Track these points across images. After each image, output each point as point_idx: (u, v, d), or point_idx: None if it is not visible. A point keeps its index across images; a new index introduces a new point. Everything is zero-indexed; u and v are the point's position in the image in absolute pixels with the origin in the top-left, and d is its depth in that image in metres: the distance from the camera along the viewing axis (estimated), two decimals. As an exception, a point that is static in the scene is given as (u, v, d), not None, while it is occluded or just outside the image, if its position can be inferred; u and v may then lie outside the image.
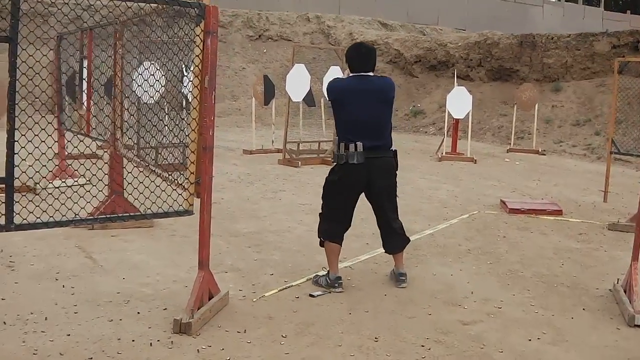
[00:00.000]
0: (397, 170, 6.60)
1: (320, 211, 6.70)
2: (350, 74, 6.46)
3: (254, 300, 5.97)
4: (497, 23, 34.71)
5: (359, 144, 6.15)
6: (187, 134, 5.43)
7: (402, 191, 11.61)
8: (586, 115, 20.95)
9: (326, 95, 6.76)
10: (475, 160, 16.23)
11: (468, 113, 16.83)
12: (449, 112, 16.89)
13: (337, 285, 6.37)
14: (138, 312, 5.51)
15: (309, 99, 16.07)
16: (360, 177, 6.30)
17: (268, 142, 16.62)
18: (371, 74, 6.41)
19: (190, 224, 8.40)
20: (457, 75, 21.35)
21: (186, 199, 5.38)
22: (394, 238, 6.73)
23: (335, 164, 6.46)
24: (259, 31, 28.91)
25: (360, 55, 6.41)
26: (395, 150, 6.56)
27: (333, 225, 6.54)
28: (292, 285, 6.41)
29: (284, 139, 14.35)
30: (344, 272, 6.74)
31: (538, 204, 10.60)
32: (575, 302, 6.30)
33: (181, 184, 5.49)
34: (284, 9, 30.37)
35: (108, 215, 5.28)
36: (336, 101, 6.39)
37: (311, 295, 6.15)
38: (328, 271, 6.50)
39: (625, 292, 6.27)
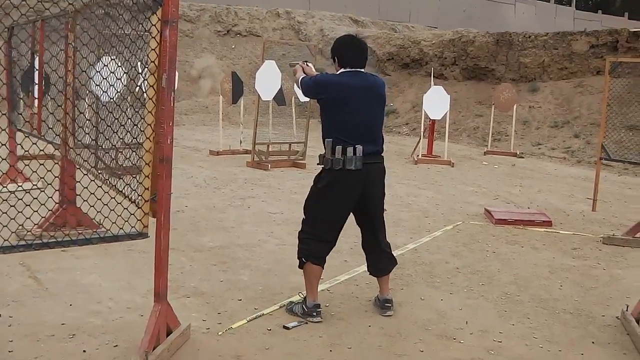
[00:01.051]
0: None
1: (302, 227, 5.83)
2: (342, 70, 5.63)
3: (220, 333, 5.18)
4: (469, 21, 34.20)
5: (359, 148, 5.40)
6: (139, 141, 4.62)
7: (379, 198, 10.98)
8: (564, 116, 20.34)
9: (310, 93, 5.78)
10: (453, 163, 15.52)
11: (445, 113, 16.12)
12: (425, 112, 16.13)
13: (315, 314, 5.58)
14: (84, 351, 4.71)
15: (280, 98, 15.27)
16: (357, 184, 5.52)
17: (236, 142, 15.81)
18: (363, 70, 5.67)
19: (151, 237, 7.65)
20: (432, 74, 20.65)
21: (140, 219, 4.57)
22: (381, 259, 5.96)
23: (323, 170, 5.66)
24: (228, 26, 28.13)
25: (354, 49, 5.66)
26: (383, 157, 5.80)
27: (318, 244, 5.67)
28: (263, 314, 5.63)
29: (253, 140, 13.53)
30: (322, 297, 5.97)
31: (526, 214, 9.90)
32: (582, 334, 5.59)
33: (134, 201, 4.67)
34: (253, 3, 29.57)
35: (44, 241, 4.42)
36: (334, 99, 5.51)
37: (285, 327, 5.37)
38: (304, 297, 5.73)
39: (638, 322, 5.58)
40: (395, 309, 5.88)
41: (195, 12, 27.55)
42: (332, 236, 5.73)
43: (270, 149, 14.52)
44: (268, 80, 13.26)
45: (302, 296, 5.82)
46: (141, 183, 4.53)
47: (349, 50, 5.66)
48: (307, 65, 6.18)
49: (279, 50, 19.96)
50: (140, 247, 7.20)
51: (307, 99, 13.82)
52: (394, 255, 6.14)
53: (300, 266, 5.74)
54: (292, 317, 5.59)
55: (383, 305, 5.86)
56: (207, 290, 6.20)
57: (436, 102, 15.82)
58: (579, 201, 11.84)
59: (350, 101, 5.47)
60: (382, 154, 5.75)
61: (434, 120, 16.29)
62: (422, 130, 16.74)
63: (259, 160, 13.51)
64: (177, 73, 12.09)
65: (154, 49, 4.38)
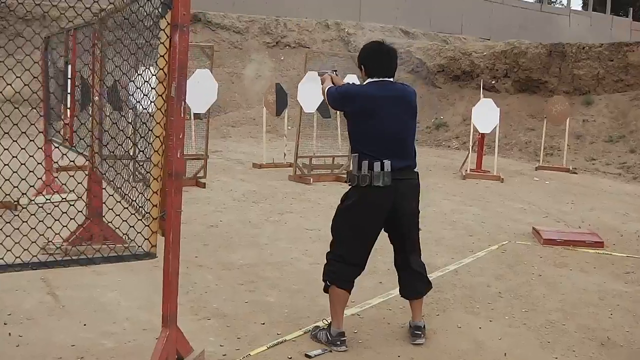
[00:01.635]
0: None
1: (330, 248, 5.45)
2: (370, 80, 5.28)
3: (237, 361, 4.84)
4: (522, 32, 33.59)
5: (387, 163, 5.05)
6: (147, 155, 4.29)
7: (423, 214, 10.47)
8: (620, 131, 19.68)
9: (336, 104, 5.47)
10: (502, 178, 15.00)
11: (495, 127, 15.61)
12: (474, 125, 15.64)
13: (339, 343, 5.18)
14: (87, 379, 4.40)
15: (324, 110, 14.92)
16: (385, 202, 5.15)
17: (281, 155, 15.48)
18: (392, 79, 5.29)
19: (180, 252, 7.38)
20: (483, 87, 20.14)
21: (147, 238, 4.24)
22: (414, 281, 5.55)
23: (351, 186, 5.26)
24: (277, 38, 27.94)
25: (382, 56, 5.29)
26: (418, 172, 5.41)
27: (344, 267, 5.28)
28: (285, 340, 5.26)
29: (295, 153, 13.20)
30: (351, 321, 5.64)
31: (576, 234, 9.40)
32: (633, 369, 5.14)
33: (140, 219, 4.34)
34: (302, 15, 29.34)
35: (48, 260, 4.10)
36: (360, 112, 5.18)
37: (307, 356, 4.99)
38: (329, 324, 5.34)
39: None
40: (428, 337, 5.48)
41: (244, 24, 27.41)
42: (359, 259, 5.33)
43: (314, 163, 14.18)
44: (311, 91, 12.90)
45: (326, 322, 5.42)
46: (149, 199, 4.20)
47: (376, 58, 5.31)
48: (336, 74, 5.81)
49: (325, 61, 19.66)
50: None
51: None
52: (430, 277, 5.76)
53: (326, 290, 5.39)
54: (315, 345, 5.21)
55: (413, 332, 5.47)
56: (230, 312, 5.86)
57: (486, 115, 15.32)
58: (634, 220, 11.28)
59: (376, 113, 5.13)
60: (416, 169, 5.37)
61: (484, 133, 15.80)
62: (471, 144, 16.24)
63: (301, 174, 13.17)
64: (216, 85, 11.90)
65: (162, 56, 4.05)
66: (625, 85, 21.18)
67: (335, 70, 5.93)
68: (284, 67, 26.96)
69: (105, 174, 5.97)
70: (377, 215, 5.22)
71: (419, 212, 5.56)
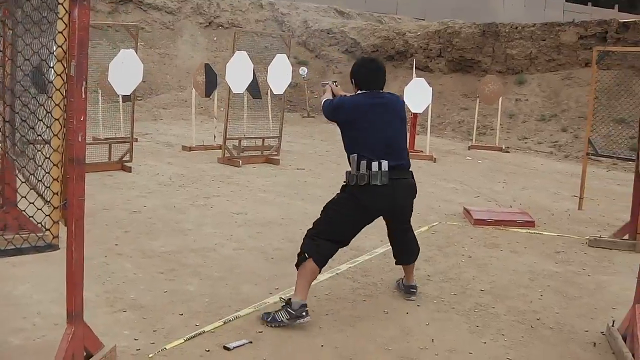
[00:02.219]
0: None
1: (315, 225, 5.59)
2: (360, 92, 5.69)
3: (150, 355, 4.55)
4: (457, 13, 33.55)
5: (384, 163, 5.37)
6: (45, 138, 3.98)
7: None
8: (552, 110, 19.73)
9: (331, 114, 5.74)
10: (435, 158, 14.90)
11: (428, 107, 15.47)
12: (406, 105, 15.47)
13: (305, 314, 5.23)
14: (-12, 379, 4.09)
15: (255, 90, 14.67)
16: (382, 200, 5.47)
17: (211, 137, 15.14)
18: (381, 91, 5.71)
19: (99, 240, 7.05)
20: (415, 66, 19.99)
21: (48, 229, 3.94)
22: (405, 251, 6.05)
23: (348, 184, 5.55)
24: (209, 18, 27.40)
25: (371, 72, 5.71)
26: (412, 172, 5.78)
27: (329, 245, 5.46)
28: (203, 332, 5.00)
29: (224, 135, 12.87)
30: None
31: (507, 214, 9.29)
32: (562, 353, 5.00)
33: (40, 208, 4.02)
34: (233, -5, 28.91)
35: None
36: (353, 118, 5.52)
37: (226, 348, 4.74)
38: (287, 300, 5.36)
39: (624, 340, 4.97)
40: (354, 324, 5.31)
41: (177, 4, 26.82)
42: (345, 240, 5.62)
43: (244, 144, 13.90)
44: (239, 72, 12.57)
45: (283, 299, 5.46)
46: (49, 187, 3.90)
47: (365, 73, 5.70)
48: (336, 86, 6.15)
49: (258, 41, 19.35)
50: (86, 253, 6.57)
51: (282, 92, 13.26)
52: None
53: (298, 264, 5.43)
54: (237, 336, 4.96)
55: (408, 290, 6.02)
56: (147, 302, 5.56)
57: (418, 94, 15.15)
58: (565, 199, 11.25)
59: (368, 118, 5.47)
60: (410, 170, 5.72)
61: (416, 113, 15.66)
62: (403, 124, 16.10)
63: (230, 156, 12.85)
64: (141, 66, 11.45)
65: (61, 32, 3.75)
66: (558, 65, 21.25)
67: (336, 82, 6.27)
68: (217, 47, 26.49)
69: (16, 160, 5.61)
70: (374, 210, 5.56)
71: (412, 206, 5.87)
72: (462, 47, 22.87)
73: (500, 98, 17.80)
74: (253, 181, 11.07)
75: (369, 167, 5.34)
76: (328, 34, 26.62)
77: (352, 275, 6.50)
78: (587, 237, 8.40)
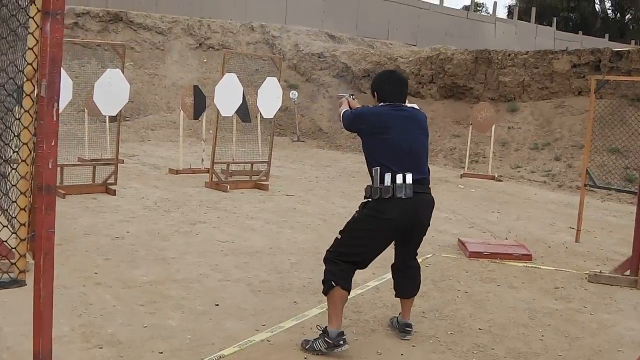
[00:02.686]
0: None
1: (333, 249, 5.48)
2: (381, 104, 5.52)
3: (126, 399, 4.23)
4: (448, 39, 33.61)
5: (408, 176, 5.22)
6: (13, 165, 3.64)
7: (343, 225, 10.01)
8: (545, 138, 19.50)
9: (351, 124, 5.62)
10: (427, 186, 14.62)
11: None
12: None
13: (342, 342, 5.15)
14: None
15: (244, 114, 14.35)
16: (407, 214, 5.26)
17: (199, 159, 14.80)
18: (403, 104, 5.57)
19: (78, 268, 6.72)
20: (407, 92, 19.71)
21: (14, 263, 3.60)
22: (408, 282, 5.79)
23: (371, 199, 5.28)
24: (200, 39, 27.19)
25: (393, 83, 5.58)
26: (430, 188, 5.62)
27: (350, 267, 5.41)
28: (183, 374, 4.67)
29: (212, 159, 12.53)
30: (260, 349, 5.04)
31: (503, 246, 8.98)
32: (568, 401, 4.68)
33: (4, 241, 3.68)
34: (227, 17, 28.73)
35: None
36: (374, 128, 5.36)
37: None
38: (324, 329, 5.24)
39: (635, 388, 4.67)
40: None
41: (167, 24, 26.60)
42: (366, 261, 5.53)
43: (233, 169, 13.58)
44: (229, 94, 12.27)
45: (320, 328, 5.33)
46: (15, 217, 3.56)
47: (386, 84, 5.56)
48: (352, 99, 6.01)
49: (248, 64, 19.09)
50: (61, 282, 6.23)
51: (272, 116, 12.96)
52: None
53: (325, 292, 5.37)
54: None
55: (403, 329, 5.69)
56: (126, 338, 5.21)
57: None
58: (561, 230, 10.96)
59: (390, 129, 5.30)
60: (429, 185, 5.57)
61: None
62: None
63: (218, 181, 12.51)
64: (128, 86, 11.06)
65: (31, 48, 3.43)
66: (550, 93, 21.08)
67: (352, 94, 6.12)
68: (207, 69, 26.25)
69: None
70: (397, 226, 5.30)
71: (429, 225, 5.68)
72: (454, 73, 22.68)
73: (493, 126, 17.56)
74: (241, 207, 10.75)
75: (393, 179, 5.18)
76: (319, 57, 26.42)
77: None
78: (587, 272, 8.10)
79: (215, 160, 12.60)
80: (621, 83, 20.05)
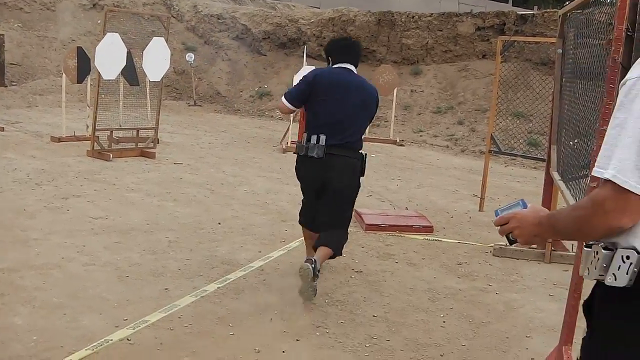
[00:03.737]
0: (362, 175, 5.98)
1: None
2: (333, 66, 5.99)
3: None
4: (352, 2, 32.77)
5: (322, 137, 5.70)
6: None
7: (233, 196, 9.23)
8: (448, 102, 19.04)
9: (298, 90, 5.99)
10: (326, 152, 13.93)
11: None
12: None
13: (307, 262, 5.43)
14: None
15: (131, 77, 13.39)
16: (317, 172, 5.78)
17: (85, 126, 13.74)
18: (354, 69, 5.97)
19: None
20: (308, 54, 18.94)
21: None
22: (323, 239, 5.77)
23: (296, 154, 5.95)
24: (94, 0, 25.83)
25: (343, 46, 6.11)
26: (365, 155, 6.00)
27: (304, 210, 6.17)
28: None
29: (93, 125, 11.52)
30: (119, 351, 4.26)
31: (402, 217, 8.35)
32: (472, 404, 4.05)
33: None
34: (123, -24, 27.42)
35: None
36: (314, 90, 5.81)
37: None
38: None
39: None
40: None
41: (59, -16, 25.24)
42: (310, 206, 6.05)
43: (119, 136, 12.64)
44: (111, 56, 11.30)
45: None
46: None
47: (338, 47, 6.07)
48: None
49: (148, 26, 18.03)
50: None
51: (159, 79, 12.06)
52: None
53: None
54: None
55: (306, 258, 5.66)
56: (-45, 345, 4.37)
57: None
58: (464, 198, 10.44)
59: (326, 95, 5.74)
60: (359, 152, 5.89)
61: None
62: (292, 114, 15.07)
63: (100, 149, 11.54)
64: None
65: None
66: (454, 56, 20.63)
67: None
68: (101, 31, 24.96)
69: None
70: (309, 179, 5.89)
71: (353, 189, 5.93)
72: (357, 35, 21.95)
73: (396, 89, 16.97)
74: (122, 178, 9.83)
75: (309, 140, 5.72)
76: (218, 19, 25.40)
77: (220, 298, 5.39)
78: (492, 245, 7.54)
79: (98, 127, 11.64)
80: (525, 47, 19.73)
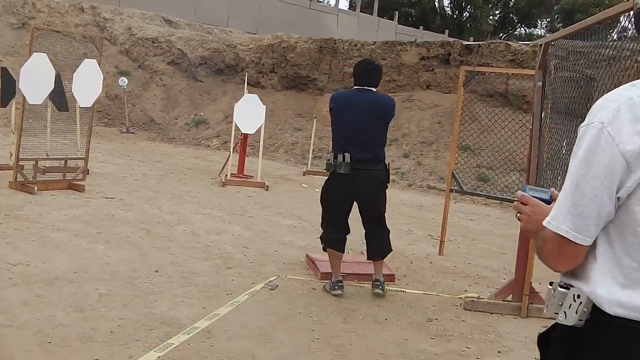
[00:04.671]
0: (387, 183, 6.74)
1: (321, 220, 6.83)
2: (354, 87, 6.60)
3: None
4: (291, 29, 32.13)
5: (347, 155, 6.30)
6: None
7: (170, 237, 8.35)
8: (392, 133, 18.34)
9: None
10: (267, 186, 13.07)
11: (260, 127, 13.67)
12: (236, 124, 13.57)
13: (337, 287, 6.46)
14: None
15: (60, 101, 12.41)
16: (347, 187, 6.42)
17: (9, 153, 12.62)
18: (374, 89, 6.54)
19: None
20: (247, 82, 18.15)
21: None
22: (375, 244, 6.72)
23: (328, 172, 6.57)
24: (23, 19, 24.69)
25: (365, 70, 6.55)
26: (388, 164, 6.66)
27: (330, 231, 6.69)
28: None
29: (16, 154, 10.46)
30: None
31: (360, 265, 7.54)
32: None
33: None
34: (54, -5, 26.41)
35: None
36: (333, 110, 6.54)
37: None
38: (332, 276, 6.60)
39: None
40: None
41: (-15, 2, 24.09)
42: (339, 226, 6.71)
43: (46, 165, 11.59)
44: (37, 78, 10.32)
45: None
46: None
47: (359, 70, 6.60)
48: None
49: (80, 47, 17.02)
50: None
51: (90, 105, 11.12)
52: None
53: (324, 249, 6.83)
54: None
55: (373, 283, 6.63)
56: None
57: (250, 113, 13.33)
58: (420, 239, 9.73)
59: (345, 113, 6.41)
60: (383, 162, 6.55)
61: (247, 134, 13.83)
62: (232, 145, 14.21)
63: (24, 181, 10.46)
64: None
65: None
66: (398, 86, 20.08)
67: None
68: (27, 51, 23.86)
69: None
70: (341, 195, 6.51)
71: (384, 196, 6.76)
72: (297, 63, 21.35)
73: (340, 119, 16.26)
74: (47, 215, 8.80)
75: (335, 158, 6.38)
76: (153, 43, 24.48)
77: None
78: (461, 297, 6.81)
79: (22, 156, 10.61)
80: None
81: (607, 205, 1.96)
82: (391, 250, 6.80)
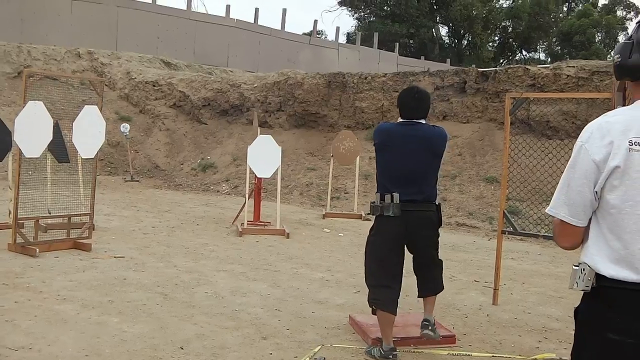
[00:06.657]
0: (440, 226, 6.08)
1: (365, 278, 6.07)
2: (400, 120, 5.92)
3: None
4: (291, 65, 31.51)
5: (396, 195, 5.65)
6: None
7: (192, 302, 7.36)
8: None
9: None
10: (288, 233, 12.10)
11: (276, 170, 12.74)
12: (250, 168, 12.62)
13: (391, 357, 5.66)
14: None
15: (60, 152, 11.50)
16: (396, 230, 5.69)
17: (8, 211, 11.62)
18: (423, 121, 5.87)
19: None
20: (257, 120, 17.24)
21: None
22: (428, 279, 6.10)
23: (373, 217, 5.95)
24: (19, 67, 23.90)
25: (411, 100, 5.87)
26: (439, 204, 6.04)
27: (381, 291, 5.82)
28: None
29: (14, 213, 9.49)
30: None
31: (413, 327, 6.52)
32: None
33: None
34: (50, 42, 25.69)
35: None
36: (378, 145, 5.91)
37: None
38: (381, 342, 5.74)
39: None
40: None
41: (-20, 50, 23.37)
42: (390, 281, 5.82)
43: (49, 222, 10.63)
44: (34, 129, 9.37)
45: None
46: None
47: (405, 102, 5.87)
48: None
49: (78, 94, 16.18)
50: None
51: (92, 156, 10.21)
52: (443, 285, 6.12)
53: (373, 312, 5.93)
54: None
55: (422, 324, 6.00)
56: None
57: (264, 155, 12.39)
58: (467, 287, 8.76)
59: (392, 149, 5.76)
60: (434, 202, 5.91)
61: (261, 177, 12.88)
62: (247, 191, 13.27)
63: (24, 242, 9.47)
64: None
65: None
66: (413, 118, 19.16)
67: None
68: (22, 100, 23.04)
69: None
70: (390, 240, 5.75)
71: (437, 238, 6.09)
72: (306, 99, 20.49)
73: (358, 157, 15.38)
74: (51, 281, 7.80)
75: (382, 199, 5.69)
76: (154, 86, 23.70)
77: None
78: (536, 358, 5.84)
79: (21, 215, 9.65)
80: (489, 106, 18.45)
81: (589, 197, 2.71)
82: (442, 289, 6.21)
